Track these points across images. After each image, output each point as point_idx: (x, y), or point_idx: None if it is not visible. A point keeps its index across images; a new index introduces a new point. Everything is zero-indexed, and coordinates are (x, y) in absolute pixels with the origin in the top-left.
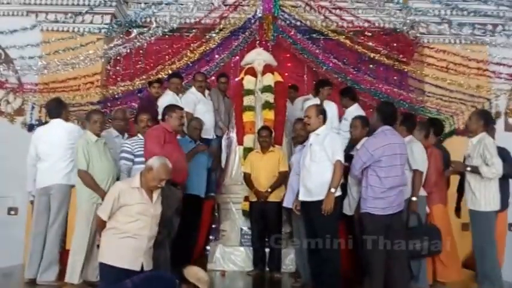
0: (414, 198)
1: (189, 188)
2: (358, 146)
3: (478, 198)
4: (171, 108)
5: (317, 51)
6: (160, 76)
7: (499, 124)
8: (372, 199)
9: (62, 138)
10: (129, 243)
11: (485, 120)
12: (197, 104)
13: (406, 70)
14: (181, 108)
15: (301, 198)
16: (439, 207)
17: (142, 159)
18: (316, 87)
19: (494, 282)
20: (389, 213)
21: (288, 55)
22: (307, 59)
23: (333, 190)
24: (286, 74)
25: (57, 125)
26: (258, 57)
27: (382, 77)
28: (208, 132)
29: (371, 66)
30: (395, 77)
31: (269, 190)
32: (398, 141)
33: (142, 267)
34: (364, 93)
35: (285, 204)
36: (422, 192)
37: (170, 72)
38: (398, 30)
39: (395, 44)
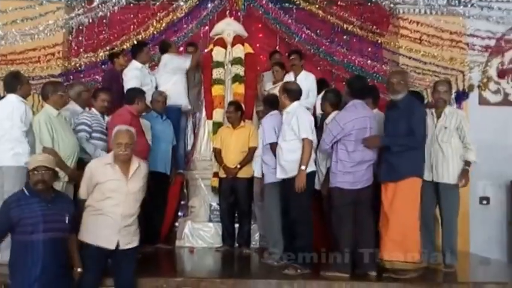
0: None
1: (154, 165)
2: (327, 120)
3: (450, 171)
4: (141, 92)
5: (289, 21)
6: (124, 47)
7: (472, 98)
8: (341, 174)
9: (13, 115)
10: (102, 221)
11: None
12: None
13: (380, 42)
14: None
15: (278, 175)
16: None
17: (99, 134)
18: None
19: (456, 255)
20: (358, 187)
21: (260, 25)
22: (279, 30)
23: (303, 168)
24: (258, 45)
25: (10, 102)
26: (228, 27)
27: (355, 49)
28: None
29: (345, 37)
30: (369, 49)
31: (238, 166)
32: (369, 115)
33: (118, 246)
34: (337, 66)
35: (267, 181)
36: None
37: (136, 43)
38: (372, 0)
39: (369, 15)
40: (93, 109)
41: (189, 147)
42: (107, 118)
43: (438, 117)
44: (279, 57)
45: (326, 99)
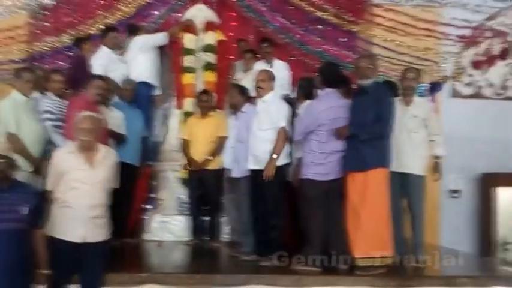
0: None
1: (122, 156)
2: (299, 110)
3: (418, 162)
4: (94, 78)
5: (263, 9)
6: (91, 32)
7: (445, 90)
8: (313, 165)
9: None
10: (68, 213)
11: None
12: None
13: (354, 31)
14: (104, 78)
15: (250, 166)
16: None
17: (59, 123)
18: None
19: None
20: (330, 178)
21: (233, 14)
22: (253, 18)
23: (274, 156)
24: (231, 34)
25: None
26: (199, 13)
27: (330, 38)
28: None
29: (319, 27)
30: (344, 39)
31: (210, 158)
32: (342, 104)
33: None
34: (311, 56)
35: (234, 175)
36: None
37: (103, 27)
38: None
39: (344, 2)
40: (48, 93)
41: (159, 138)
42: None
43: (407, 105)
44: (246, 44)
45: (299, 87)
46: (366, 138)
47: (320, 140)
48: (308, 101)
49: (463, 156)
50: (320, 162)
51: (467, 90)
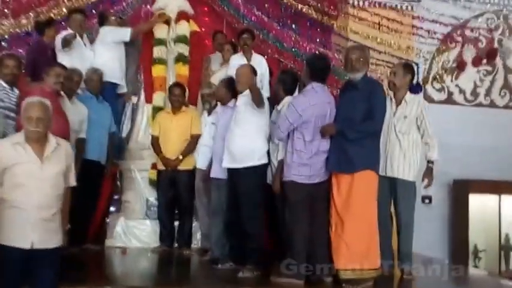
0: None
1: (88, 153)
2: (279, 107)
3: (408, 166)
4: (51, 65)
5: (238, 1)
6: (52, 15)
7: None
8: (296, 166)
9: None
10: (14, 215)
11: (412, 75)
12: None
13: (332, 25)
14: (63, 67)
15: (225, 164)
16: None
17: (10, 113)
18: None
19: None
20: (316, 181)
21: (206, 9)
22: (227, 12)
23: None
24: (204, 29)
25: None
26: (172, 2)
27: (306, 34)
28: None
29: (294, 26)
30: (320, 36)
31: (180, 157)
32: (329, 100)
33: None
34: (286, 53)
35: (213, 175)
36: None
37: (65, 11)
38: None
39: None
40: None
41: (124, 134)
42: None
43: (398, 104)
44: (223, 37)
45: (280, 81)
46: (354, 137)
47: (305, 139)
48: (289, 97)
49: (435, 162)
50: (305, 162)
51: (438, 96)
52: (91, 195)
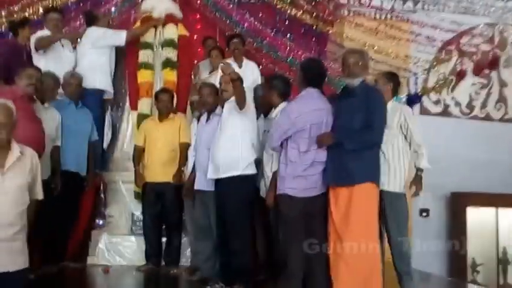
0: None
1: (65, 163)
2: (273, 114)
3: (394, 177)
4: (24, 67)
5: (230, 6)
6: (26, 15)
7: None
8: (291, 178)
9: None
10: None
11: (395, 84)
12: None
13: (328, 32)
14: (37, 69)
15: (210, 175)
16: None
17: None
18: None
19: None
20: (312, 195)
21: (198, 16)
22: (219, 19)
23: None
24: (196, 37)
25: None
26: (159, 4)
27: (301, 42)
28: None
29: (288, 34)
30: (316, 46)
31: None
32: (326, 107)
33: None
34: (281, 63)
35: (197, 187)
36: None
37: (41, 10)
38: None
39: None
40: None
41: (105, 144)
42: None
43: None
44: (213, 42)
45: (273, 87)
46: (353, 147)
47: (300, 149)
48: (283, 103)
49: (432, 175)
50: (300, 174)
51: (434, 108)
52: (69, 209)
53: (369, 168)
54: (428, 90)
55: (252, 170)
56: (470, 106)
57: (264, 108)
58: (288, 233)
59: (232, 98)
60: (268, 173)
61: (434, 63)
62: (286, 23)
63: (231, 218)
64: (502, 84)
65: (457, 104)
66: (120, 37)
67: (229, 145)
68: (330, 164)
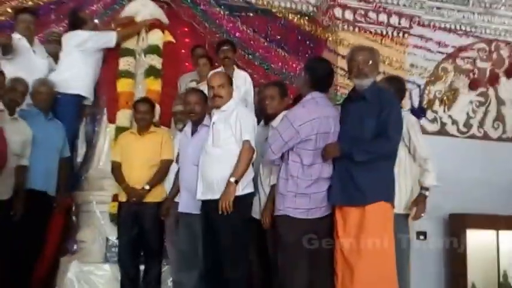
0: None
1: (32, 181)
2: (274, 123)
3: (398, 196)
4: None
5: (221, 14)
6: None
7: None
8: (292, 196)
9: None
10: None
11: (400, 91)
12: None
13: (326, 39)
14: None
15: (200, 196)
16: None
17: None
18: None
19: None
20: (317, 216)
21: (186, 29)
22: (209, 31)
23: (232, 180)
24: (183, 51)
25: None
26: (143, 9)
27: (295, 51)
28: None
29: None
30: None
31: (147, 187)
32: (333, 114)
33: None
34: (275, 77)
35: (182, 210)
36: None
37: (10, 11)
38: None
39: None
40: None
41: (79, 159)
42: None
43: None
44: (202, 51)
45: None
46: (364, 159)
47: (303, 162)
48: (283, 112)
49: (429, 196)
50: (303, 192)
51: (431, 127)
52: (35, 233)
53: (382, 185)
54: (432, 102)
55: (250, 189)
56: (467, 125)
57: (265, 114)
58: (287, 260)
59: (227, 105)
60: (265, 188)
61: (433, 78)
62: (280, 29)
63: (226, 244)
64: (500, 102)
65: (454, 122)
66: (109, 38)
67: (224, 160)
68: (337, 180)
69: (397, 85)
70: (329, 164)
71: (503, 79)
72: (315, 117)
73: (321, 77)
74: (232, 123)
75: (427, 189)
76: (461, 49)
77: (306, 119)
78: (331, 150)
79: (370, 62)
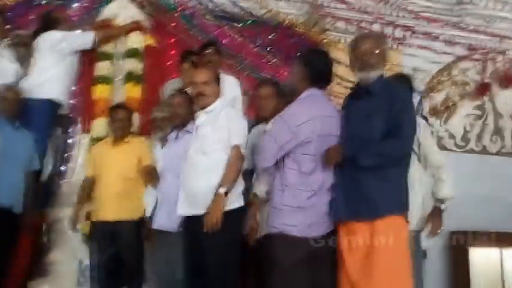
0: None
1: None
2: (268, 126)
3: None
4: None
5: (210, 22)
6: None
7: None
8: (288, 210)
9: None
10: None
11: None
12: None
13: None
14: None
15: (182, 211)
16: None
17: None
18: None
19: None
20: (319, 234)
21: (173, 40)
22: (196, 40)
23: (222, 191)
24: (170, 62)
25: None
26: (123, 11)
27: (289, 56)
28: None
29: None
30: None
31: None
32: (335, 114)
33: None
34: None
35: (157, 227)
36: None
37: None
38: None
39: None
40: None
41: (50, 172)
42: None
43: None
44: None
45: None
46: (372, 163)
47: (302, 169)
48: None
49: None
50: (301, 205)
51: None
52: (3, 254)
53: (395, 195)
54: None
55: (240, 202)
56: (465, 139)
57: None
58: (283, 285)
59: (214, 105)
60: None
61: (428, 90)
62: (272, 35)
63: (215, 266)
64: (497, 115)
65: (451, 136)
66: (86, 39)
67: (211, 171)
68: (341, 191)
69: (406, 84)
70: (332, 171)
71: (499, 91)
72: (314, 116)
73: (319, 71)
74: (221, 126)
75: (442, 201)
76: (457, 61)
77: (305, 119)
78: (332, 154)
79: (376, 51)
